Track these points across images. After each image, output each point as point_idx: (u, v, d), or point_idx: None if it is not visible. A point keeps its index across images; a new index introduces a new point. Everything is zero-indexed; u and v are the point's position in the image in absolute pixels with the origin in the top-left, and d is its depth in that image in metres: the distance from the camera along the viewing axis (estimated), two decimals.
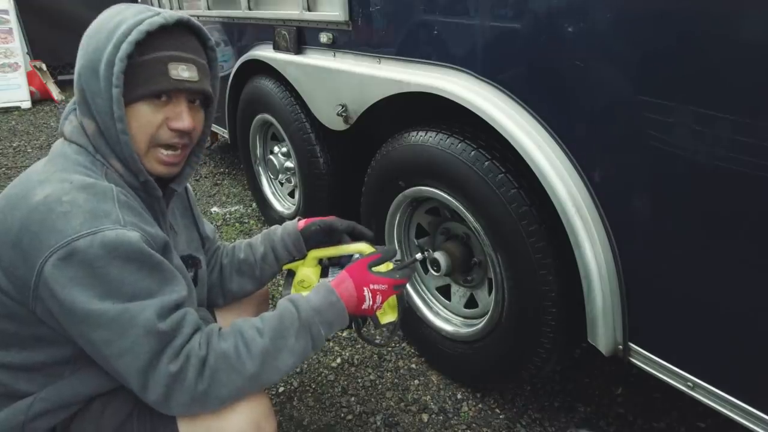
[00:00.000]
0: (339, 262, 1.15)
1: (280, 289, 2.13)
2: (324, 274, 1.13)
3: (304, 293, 0.95)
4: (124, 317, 0.74)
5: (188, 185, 1.12)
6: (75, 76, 0.86)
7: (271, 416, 0.91)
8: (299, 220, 1.17)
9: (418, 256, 1.25)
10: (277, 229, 1.17)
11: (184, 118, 0.86)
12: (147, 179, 0.88)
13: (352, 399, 1.58)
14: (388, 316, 1.02)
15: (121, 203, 0.80)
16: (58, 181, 0.78)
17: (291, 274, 1.15)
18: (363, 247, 1.08)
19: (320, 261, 1.14)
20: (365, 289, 0.93)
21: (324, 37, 1.69)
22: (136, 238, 0.77)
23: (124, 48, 0.79)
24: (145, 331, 0.75)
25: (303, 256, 1.14)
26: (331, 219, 1.14)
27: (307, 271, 1.11)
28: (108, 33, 0.81)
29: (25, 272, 0.75)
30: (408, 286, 1.64)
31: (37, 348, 0.82)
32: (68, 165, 0.82)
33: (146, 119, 0.84)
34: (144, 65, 0.82)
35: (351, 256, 1.13)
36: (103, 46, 0.80)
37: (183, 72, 0.85)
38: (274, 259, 1.15)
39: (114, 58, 0.79)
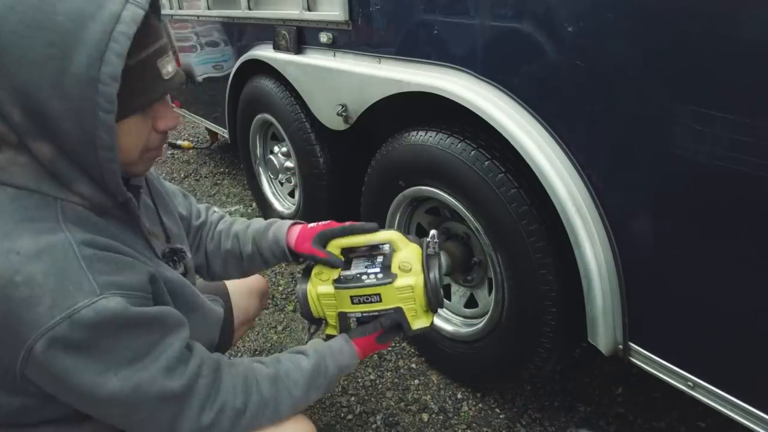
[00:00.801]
0: (365, 252, 1.03)
1: (280, 288, 2.14)
2: (346, 265, 0.99)
3: (321, 287, 0.97)
4: (132, 391, 0.67)
5: (149, 172, 0.94)
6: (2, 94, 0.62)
7: None
8: (291, 228, 1.05)
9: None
10: (267, 234, 1.05)
11: (171, 115, 0.75)
12: (127, 198, 0.72)
13: (352, 399, 1.58)
14: (421, 320, 0.97)
15: (87, 259, 0.65)
16: (1, 254, 0.62)
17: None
18: (393, 236, 0.97)
19: (342, 250, 1.02)
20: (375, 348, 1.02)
21: (324, 37, 1.69)
22: (118, 304, 0.65)
23: (114, 62, 0.60)
24: (159, 397, 0.69)
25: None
26: (318, 255, 0.99)
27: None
28: (65, 35, 0.59)
29: (5, 360, 0.65)
30: None
31: (47, 404, 0.73)
32: (6, 223, 0.64)
33: (138, 132, 0.71)
34: (132, 71, 0.64)
35: (379, 245, 1.01)
36: (64, 55, 0.60)
37: (168, 65, 0.70)
38: (262, 262, 1.08)
39: (96, 74, 0.60)
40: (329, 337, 1.02)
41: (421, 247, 0.99)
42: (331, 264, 0.98)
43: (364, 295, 0.95)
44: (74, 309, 0.62)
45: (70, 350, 0.63)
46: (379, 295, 0.94)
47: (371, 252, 1.02)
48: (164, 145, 0.81)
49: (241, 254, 1.08)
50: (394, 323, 0.97)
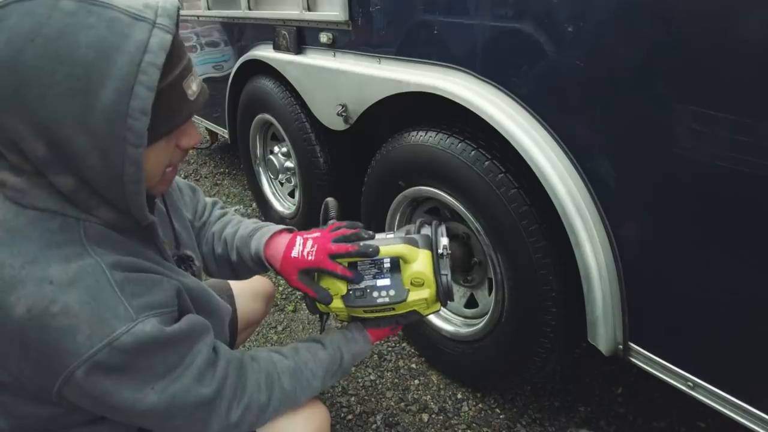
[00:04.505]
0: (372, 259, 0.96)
1: (280, 289, 2.14)
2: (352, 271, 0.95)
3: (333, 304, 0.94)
4: (169, 403, 0.69)
5: None
6: (19, 125, 0.58)
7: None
8: (270, 240, 0.97)
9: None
10: (250, 244, 0.98)
11: (194, 132, 0.73)
12: (150, 221, 0.72)
13: (352, 399, 1.58)
14: (432, 308, 0.96)
15: (119, 284, 0.65)
16: (33, 282, 0.61)
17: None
18: (401, 250, 0.91)
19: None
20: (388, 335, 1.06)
21: (324, 37, 1.69)
22: (154, 326, 0.66)
23: (144, 96, 0.58)
24: (193, 405, 0.72)
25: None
26: (307, 293, 0.93)
27: (336, 283, 0.94)
28: (89, 68, 0.56)
29: (41, 381, 0.65)
30: None
31: (76, 411, 0.73)
32: (32, 249, 0.63)
33: (162, 155, 0.69)
34: (158, 98, 0.61)
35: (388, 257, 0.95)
36: (88, 90, 0.57)
37: (193, 84, 0.68)
38: (248, 270, 1.04)
39: (125, 109, 0.58)
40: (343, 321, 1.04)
41: (430, 248, 0.94)
42: (322, 302, 0.93)
43: (378, 308, 0.93)
44: (113, 336, 0.62)
45: (109, 373, 0.64)
46: (392, 308, 0.93)
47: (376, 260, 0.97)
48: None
49: (229, 259, 1.04)
50: (410, 320, 0.97)
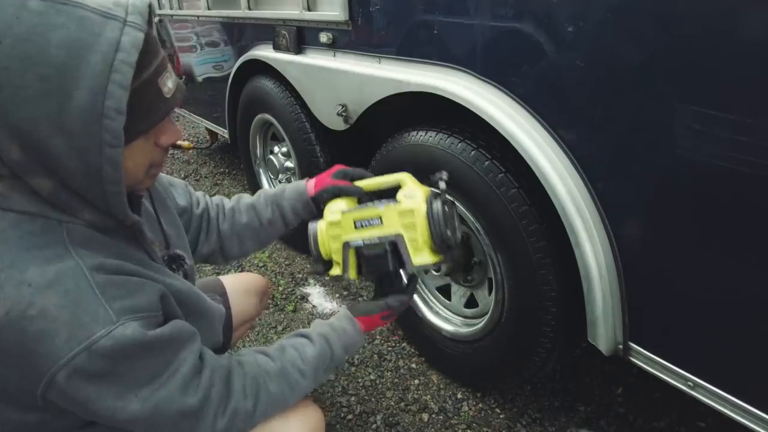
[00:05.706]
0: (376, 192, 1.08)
1: (280, 288, 2.14)
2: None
3: (329, 216, 0.99)
4: (152, 411, 0.68)
5: None
6: None
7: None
8: (308, 181, 1.09)
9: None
10: (285, 192, 1.09)
11: (173, 130, 0.72)
12: (134, 221, 0.71)
13: (352, 399, 1.58)
14: (423, 255, 0.93)
15: (100, 286, 0.64)
16: (11, 285, 0.61)
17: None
18: (404, 176, 1.02)
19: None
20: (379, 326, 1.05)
21: (324, 37, 1.69)
22: (135, 330, 0.64)
23: (118, 95, 0.58)
24: (178, 415, 0.71)
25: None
26: (340, 184, 1.05)
27: (340, 204, 1.03)
28: (61, 69, 0.56)
29: (23, 385, 0.65)
30: None
31: (63, 416, 0.72)
32: (11, 251, 0.62)
33: (142, 154, 0.69)
34: (133, 96, 0.60)
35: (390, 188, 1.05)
36: (62, 91, 0.56)
37: (169, 81, 0.67)
38: (283, 224, 1.10)
39: (100, 108, 0.57)
40: (334, 279, 1.06)
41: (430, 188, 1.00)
42: (351, 192, 1.03)
43: (367, 218, 0.96)
44: (92, 340, 0.61)
45: (90, 378, 0.63)
46: (380, 218, 0.95)
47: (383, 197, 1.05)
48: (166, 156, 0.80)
49: (260, 223, 1.09)
50: (395, 259, 0.94)
